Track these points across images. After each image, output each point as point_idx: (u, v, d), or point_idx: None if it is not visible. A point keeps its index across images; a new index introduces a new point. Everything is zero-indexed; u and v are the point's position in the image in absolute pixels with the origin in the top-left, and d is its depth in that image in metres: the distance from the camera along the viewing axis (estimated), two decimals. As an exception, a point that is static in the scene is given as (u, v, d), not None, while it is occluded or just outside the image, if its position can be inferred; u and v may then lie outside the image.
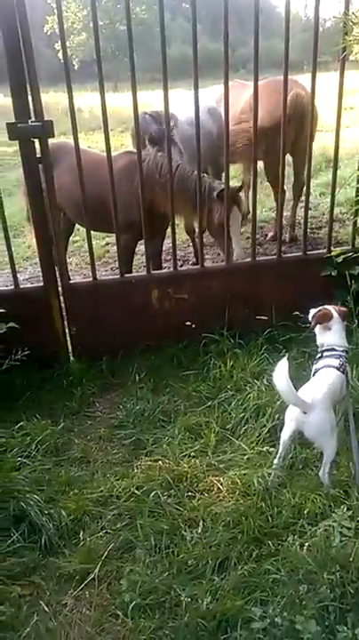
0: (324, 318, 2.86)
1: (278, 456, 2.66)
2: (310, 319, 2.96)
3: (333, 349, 2.80)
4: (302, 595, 2.00)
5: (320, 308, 2.92)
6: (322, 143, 7.41)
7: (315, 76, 3.49)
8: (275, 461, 2.67)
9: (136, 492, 2.66)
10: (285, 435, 2.62)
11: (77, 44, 31.19)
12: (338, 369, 2.69)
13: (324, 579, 2.03)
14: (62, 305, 3.68)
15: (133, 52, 3.22)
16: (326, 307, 2.92)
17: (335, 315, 2.87)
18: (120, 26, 27.31)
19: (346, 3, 3.23)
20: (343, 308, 2.98)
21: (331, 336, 2.86)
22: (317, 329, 2.91)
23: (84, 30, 30.73)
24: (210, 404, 3.26)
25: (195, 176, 3.72)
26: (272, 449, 2.79)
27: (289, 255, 4.13)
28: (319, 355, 2.85)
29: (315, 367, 2.83)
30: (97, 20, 3.22)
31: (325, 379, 2.64)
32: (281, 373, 2.41)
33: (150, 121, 4.50)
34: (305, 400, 2.49)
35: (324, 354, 2.81)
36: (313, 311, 2.94)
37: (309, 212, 6.80)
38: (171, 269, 3.88)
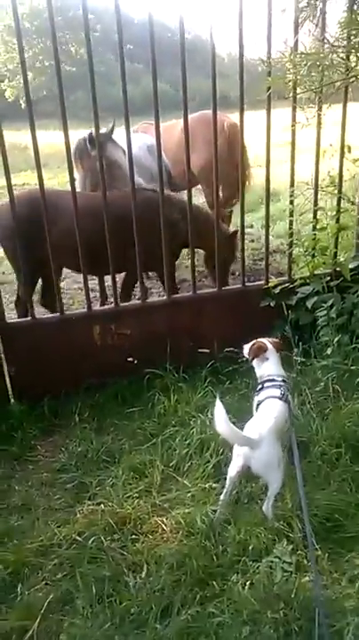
0: (260, 351, 2.91)
1: (225, 492, 2.61)
2: (245, 354, 3.00)
3: (273, 379, 2.83)
4: (246, 637, 1.95)
5: (254, 341, 2.96)
6: (263, 177, 7.60)
7: (243, 110, 3.65)
8: (222, 497, 2.63)
9: (77, 538, 2.56)
10: (232, 471, 2.58)
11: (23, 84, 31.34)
12: (280, 399, 2.71)
13: (268, 618, 2.00)
14: None
15: (64, 93, 3.38)
16: (260, 340, 2.96)
17: (269, 346, 2.92)
18: (65, 66, 27.86)
19: (268, 48, 3.45)
20: (276, 340, 3.04)
21: (269, 367, 2.89)
22: (255, 362, 2.94)
23: (30, 70, 30.93)
24: (154, 440, 3.20)
25: None
26: (216, 484, 2.76)
27: (228, 287, 4.18)
28: (260, 386, 2.87)
29: (257, 399, 2.83)
30: (24, 59, 3.36)
31: (270, 411, 2.65)
32: (219, 418, 2.40)
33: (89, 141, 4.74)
34: (251, 437, 2.48)
35: (265, 384, 2.83)
36: (246, 346, 2.98)
37: (252, 243, 7.04)
38: (113, 305, 3.85)
